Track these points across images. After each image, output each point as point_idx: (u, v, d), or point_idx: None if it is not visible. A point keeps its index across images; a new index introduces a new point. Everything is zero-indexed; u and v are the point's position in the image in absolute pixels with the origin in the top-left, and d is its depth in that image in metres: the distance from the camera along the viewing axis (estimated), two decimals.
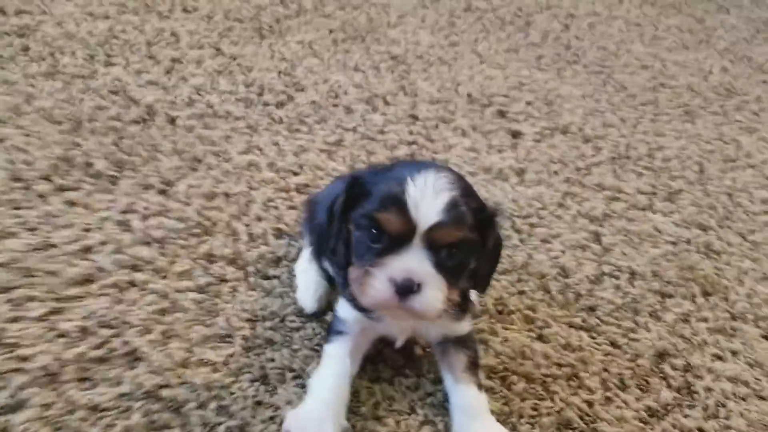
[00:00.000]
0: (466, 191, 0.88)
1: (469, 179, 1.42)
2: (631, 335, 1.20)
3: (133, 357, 0.96)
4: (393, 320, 0.95)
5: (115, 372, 0.93)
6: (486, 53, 2.19)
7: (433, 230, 0.82)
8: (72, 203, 1.19)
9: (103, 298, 1.03)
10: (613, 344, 1.19)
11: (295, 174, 1.40)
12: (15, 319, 0.96)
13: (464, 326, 1.01)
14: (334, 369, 0.96)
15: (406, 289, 0.81)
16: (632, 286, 1.32)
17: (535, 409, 1.02)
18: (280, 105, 1.67)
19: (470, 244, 0.86)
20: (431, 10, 2.44)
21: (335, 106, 1.72)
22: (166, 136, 1.43)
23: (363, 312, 0.96)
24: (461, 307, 0.97)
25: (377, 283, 0.82)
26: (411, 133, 1.68)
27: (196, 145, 1.38)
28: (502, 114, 1.84)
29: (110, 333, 0.98)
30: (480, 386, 0.99)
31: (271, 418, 0.93)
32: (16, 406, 0.84)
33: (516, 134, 1.76)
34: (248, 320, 1.07)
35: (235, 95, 1.65)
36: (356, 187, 0.88)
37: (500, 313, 1.20)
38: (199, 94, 1.61)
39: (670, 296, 1.33)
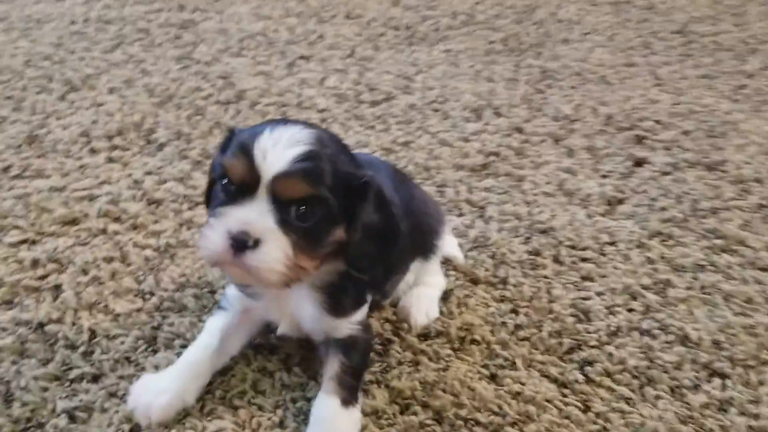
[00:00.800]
0: (335, 153, 0.84)
1: (536, 199, 1.39)
2: (621, 406, 0.98)
3: (56, 292, 1.11)
4: (232, 278, 0.91)
5: (30, 301, 1.09)
6: (668, 77, 1.99)
7: (277, 180, 0.79)
8: (112, 160, 1.43)
9: (71, 239, 1.21)
10: (585, 409, 0.98)
11: None
12: None
13: (343, 327, 0.95)
14: (200, 342, 0.99)
15: (241, 243, 0.79)
16: (669, 350, 1.07)
17: None
18: (373, 104, 1.78)
19: (325, 206, 0.82)
20: (630, 30, 2.30)
21: (435, 111, 1.78)
22: (234, 117, 1.61)
23: (241, 288, 0.97)
24: (340, 303, 0.93)
25: (213, 234, 0.81)
26: (500, 145, 1.66)
27: None
28: (639, 139, 1.66)
29: (53, 268, 1.16)
30: (347, 402, 0.93)
31: (131, 376, 0.98)
32: None
33: (640, 162, 1.58)
34: (180, 284, 1.15)
35: (334, 90, 1.78)
36: (230, 138, 0.87)
37: (461, 340, 1.10)
38: (299, 87, 1.78)
39: (722, 375, 1.06)
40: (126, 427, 0.92)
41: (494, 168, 1.54)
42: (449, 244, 1.27)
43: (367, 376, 1.02)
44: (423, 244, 1.12)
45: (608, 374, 1.06)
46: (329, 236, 0.84)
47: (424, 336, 1.11)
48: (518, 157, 1.58)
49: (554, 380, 1.05)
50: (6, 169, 1.38)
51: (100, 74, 1.76)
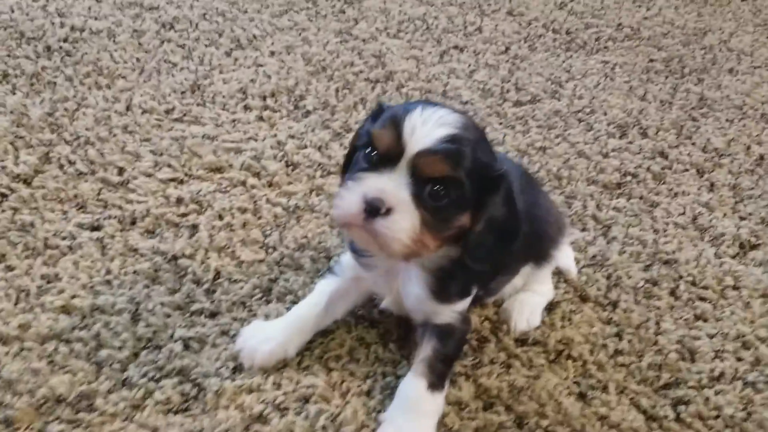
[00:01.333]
0: (477, 141, 0.87)
1: (666, 228, 1.37)
2: None
3: (193, 231, 1.23)
4: (358, 241, 0.93)
5: (169, 234, 1.22)
6: None
7: (420, 157, 0.83)
8: (261, 119, 1.54)
9: (214, 185, 1.33)
10: None
11: None
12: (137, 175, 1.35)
13: (444, 313, 0.99)
14: (309, 300, 1.07)
15: (374, 208, 0.83)
16: None
17: None
18: (517, 104, 1.78)
19: (459, 189, 0.85)
20: None
21: (579, 120, 1.76)
22: (378, 95, 1.68)
23: (356, 254, 1.02)
24: (446, 289, 0.97)
25: (350, 196, 0.84)
26: (639, 166, 1.61)
27: None
28: None
29: (194, 208, 1.28)
30: (433, 386, 0.97)
31: (243, 319, 1.08)
32: None
33: None
34: (300, 245, 1.24)
35: (481, 84, 1.80)
36: (379, 111, 0.92)
37: (558, 353, 1.12)
38: (447, 75, 1.82)
39: None
40: (231, 364, 1.02)
41: (629, 189, 1.51)
42: (565, 256, 1.27)
43: (458, 368, 1.06)
44: (537, 250, 1.14)
45: (701, 418, 1.05)
46: (456, 220, 0.87)
47: (521, 341, 1.14)
48: (656, 183, 1.54)
49: (643, 411, 1.06)
50: (168, 112, 1.53)
51: (265, 37, 1.89)
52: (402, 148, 0.83)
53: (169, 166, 1.38)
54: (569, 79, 1.91)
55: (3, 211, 1.22)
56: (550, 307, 1.21)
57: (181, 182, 1.35)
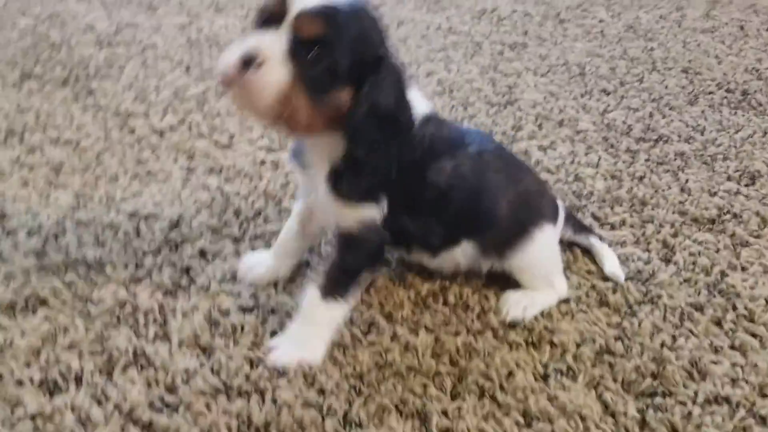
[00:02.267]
0: (366, 23, 0.90)
1: (749, 267, 1.30)
2: None
3: (258, 180, 1.43)
4: (235, 102, 0.93)
5: (231, 178, 1.43)
6: None
7: (299, 17, 0.85)
8: None
9: None
10: None
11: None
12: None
13: (347, 217, 1.00)
14: (286, 226, 1.17)
15: (248, 60, 0.84)
16: None
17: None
18: (640, 140, 1.71)
19: (333, 55, 0.86)
20: None
21: (703, 163, 1.61)
22: (491, 115, 1.83)
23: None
24: (342, 184, 0.97)
25: (231, 52, 0.86)
26: (748, 209, 1.44)
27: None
28: None
29: (268, 167, 1.48)
30: (326, 294, 1.01)
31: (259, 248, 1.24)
32: None
33: None
34: None
35: (611, 121, 1.79)
36: None
37: (539, 336, 1.10)
38: (577, 111, 1.83)
39: None
40: (228, 275, 1.18)
41: (722, 227, 1.40)
42: (609, 261, 1.26)
43: (424, 321, 1.10)
44: (486, 230, 1.13)
45: (671, 428, 0.95)
46: (331, 91, 0.89)
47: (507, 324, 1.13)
48: (761, 227, 1.40)
49: (606, 407, 0.99)
50: None
51: (412, 64, 2.09)
52: (285, 9, 0.87)
53: (270, 138, 1.62)
54: (716, 130, 1.81)
55: (132, 148, 1.56)
56: (559, 301, 1.18)
57: (272, 150, 1.58)
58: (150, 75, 1.90)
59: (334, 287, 1.02)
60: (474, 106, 1.83)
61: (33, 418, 0.90)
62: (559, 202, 1.25)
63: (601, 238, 1.31)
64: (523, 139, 1.68)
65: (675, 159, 1.65)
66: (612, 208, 1.44)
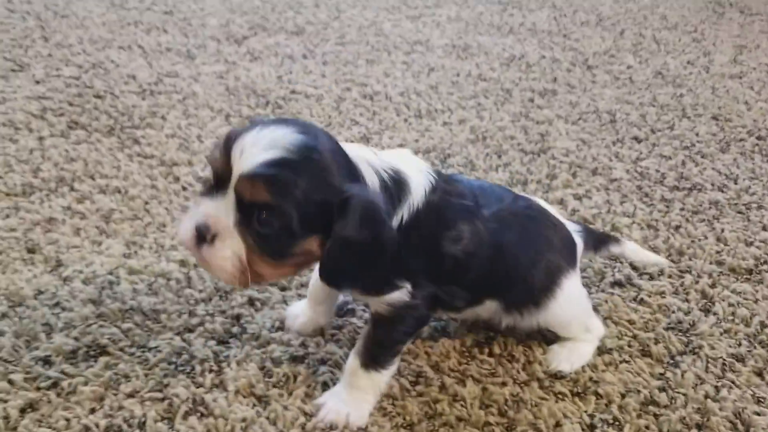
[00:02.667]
0: (321, 165, 0.85)
1: None
2: None
3: None
4: (203, 267, 0.97)
5: None
6: None
7: (240, 181, 0.83)
8: None
9: None
10: None
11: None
12: None
13: (376, 304, 1.02)
14: (314, 272, 1.17)
15: (201, 235, 0.86)
16: None
17: None
18: (674, 189, 1.76)
19: (283, 217, 0.83)
20: None
21: (738, 212, 1.63)
22: (525, 164, 1.87)
23: None
24: (376, 282, 0.98)
25: (185, 221, 0.88)
26: None
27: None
28: None
29: None
30: (365, 365, 1.03)
31: (304, 296, 1.25)
32: None
33: None
34: None
35: (644, 170, 1.84)
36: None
37: (584, 387, 1.12)
38: (609, 159, 1.88)
39: None
40: (278, 323, 1.23)
41: (761, 277, 1.44)
42: (646, 255, 1.39)
43: (471, 371, 1.14)
44: (510, 292, 1.13)
45: None
46: (293, 247, 0.87)
47: (552, 375, 1.17)
48: None
49: None
50: None
51: (445, 111, 2.15)
52: (229, 170, 0.84)
53: None
54: (749, 178, 1.85)
55: (178, 196, 1.62)
56: (601, 351, 1.21)
57: None
58: (192, 124, 1.98)
59: (374, 360, 1.04)
60: (508, 155, 1.89)
61: None
62: (575, 231, 1.25)
63: (619, 240, 1.35)
64: (559, 188, 1.73)
65: (710, 208, 1.69)
66: None
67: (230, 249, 0.85)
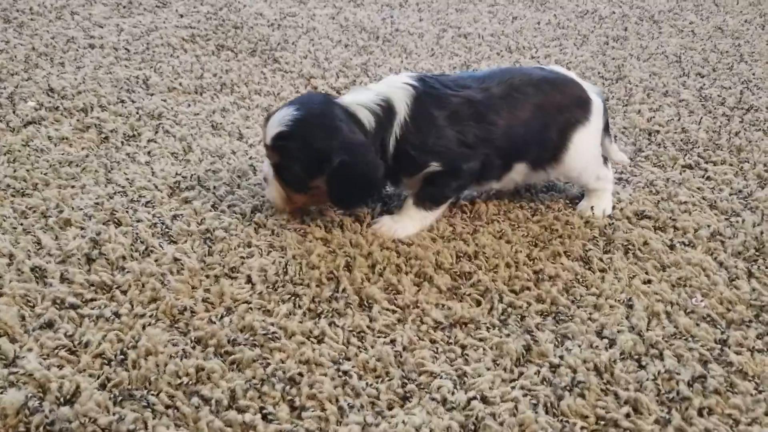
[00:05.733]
0: (309, 133, 1.25)
1: None
2: None
3: None
4: None
5: None
6: None
7: (266, 149, 1.32)
8: None
9: None
10: None
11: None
12: None
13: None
14: None
15: (264, 179, 1.37)
16: None
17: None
18: (743, 110, 2.09)
19: (291, 170, 1.28)
20: None
21: None
22: (604, 90, 2.22)
23: None
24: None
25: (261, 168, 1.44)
26: None
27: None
28: None
29: None
30: (416, 203, 1.35)
31: None
32: None
33: None
34: None
35: (728, 91, 2.19)
36: None
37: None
38: (678, 84, 2.27)
39: None
40: None
41: None
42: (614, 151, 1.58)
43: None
44: (532, 153, 1.40)
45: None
46: (306, 185, 1.29)
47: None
48: None
49: (720, 264, 1.35)
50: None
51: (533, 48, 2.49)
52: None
53: None
54: None
55: None
56: (679, 202, 1.53)
57: None
58: (318, 49, 2.35)
59: (424, 202, 1.36)
60: (590, 80, 2.22)
61: None
62: (593, 92, 1.45)
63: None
64: (636, 104, 2.05)
65: (765, 122, 1.99)
66: (714, 151, 1.79)
67: (274, 189, 1.33)
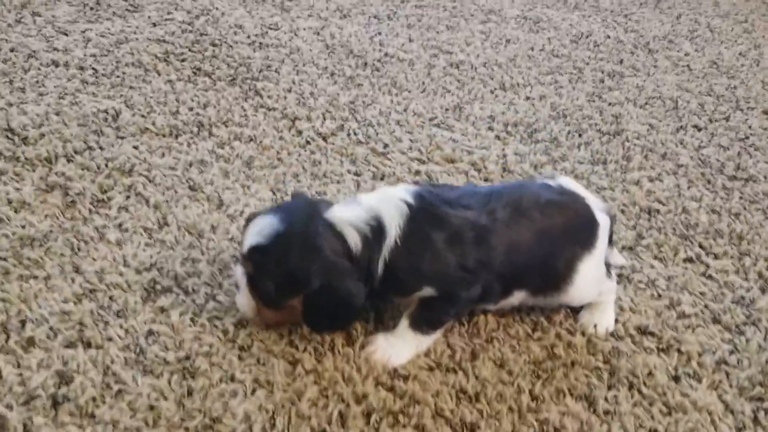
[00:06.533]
0: (286, 250, 1.15)
1: None
2: None
3: None
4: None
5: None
6: None
7: (242, 258, 1.21)
8: (498, 138, 2.01)
9: (443, 170, 1.83)
10: None
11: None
12: None
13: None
14: None
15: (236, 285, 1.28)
16: None
17: None
18: (732, 178, 2.03)
19: (264, 286, 1.18)
20: None
21: None
22: (604, 144, 2.13)
23: None
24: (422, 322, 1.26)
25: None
26: None
27: None
28: None
29: (422, 179, 1.80)
30: (413, 326, 1.25)
31: None
32: None
33: None
34: None
35: (705, 158, 2.05)
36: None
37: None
38: (676, 145, 2.10)
39: None
40: None
41: None
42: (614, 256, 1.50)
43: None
44: (533, 282, 1.31)
45: None
46: (279, 303, 1.20)
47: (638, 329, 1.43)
48: None
49: (726, 405, 1.28)
50: (432, 119, 2.08)
51: (526, 86, 2.36)
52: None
53: (419, 150, 1.91)
54: None
55: (304, 149, 1.85)
56: (681, 316, 1.46)
57: (423, 162, 1.87)
58: (303, 80, 2.19)
59: (420, 326, 1.26)
60: (587, 134, 2.12)
61: None
62: (599, 209, 1.37)
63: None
64: (635, 170, 1.96)
65: (764, 199, 1.92)
66: (715, 240, 1.72)
67: (245, 299, 1.24)
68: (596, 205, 1.37)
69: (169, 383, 1.14)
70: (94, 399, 1.10)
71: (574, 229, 1.31)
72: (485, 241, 1.23)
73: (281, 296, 1.18)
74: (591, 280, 1.35)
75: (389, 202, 1.22)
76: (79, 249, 1.41)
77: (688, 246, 1.69)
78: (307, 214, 1.21)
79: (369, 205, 1.22)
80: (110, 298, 1.29)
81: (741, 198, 1.91)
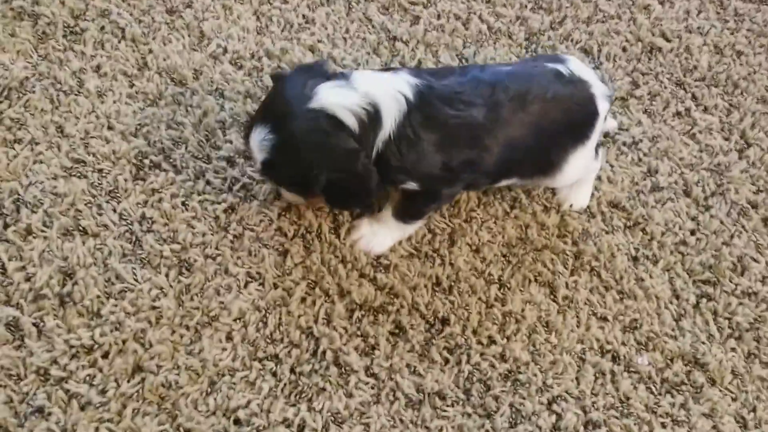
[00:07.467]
0: (291, 157, 1.16)
1: None
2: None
3: (414, 21, 1.62)
4: None
5: (392, 11, 1.64)
6: None
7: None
8: None
9: None
10: None
11: None
12: None
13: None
14: None
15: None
16: None
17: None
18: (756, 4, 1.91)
19: (282, 185, 1.28)
20: None
21: None
22: None
23: None
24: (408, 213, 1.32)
25: None
26: None
27: None
28: None
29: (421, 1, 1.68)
30: (397, 216, 1.31)
31: None
32: None
33: None
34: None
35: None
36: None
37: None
38: None
39: None
40: None
41: None
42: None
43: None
44: (520, 168, 1.32)
45: (714, 313, 1.39)
46: (305, 194, 1.28)
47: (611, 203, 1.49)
48: None
49: (673, 289, 1.41)
50: None
51: None
52: None
53: None
54: None
55: None
56: (654, 188, 1.51)
57: None
58: None
59: (402, 216, 1.32)
60: None
61: None
62: (602, 96, 1.32)
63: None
64: None
65: None
66: (708, 89, 1.68)
67: (287, 194, 1.32)
68: (600, 92, 1.32)
69: (167, 278, 1.22)
70: (98, 297, 1.18)
71: (573, 124, 1.30)
72: (479, 141, 1.22)
73: (305, 193, 1.27)
74: (580, 168, 1.37)
75: (388, 94, 1.18)
76: (59, 102, 1.36)
77: (680, 98, 1.66)
78: (302, 111, 1.16)
79: (365, 90, 1.18)
80: (100, 176, 1.30)
81: (749, 30, 1.82)
